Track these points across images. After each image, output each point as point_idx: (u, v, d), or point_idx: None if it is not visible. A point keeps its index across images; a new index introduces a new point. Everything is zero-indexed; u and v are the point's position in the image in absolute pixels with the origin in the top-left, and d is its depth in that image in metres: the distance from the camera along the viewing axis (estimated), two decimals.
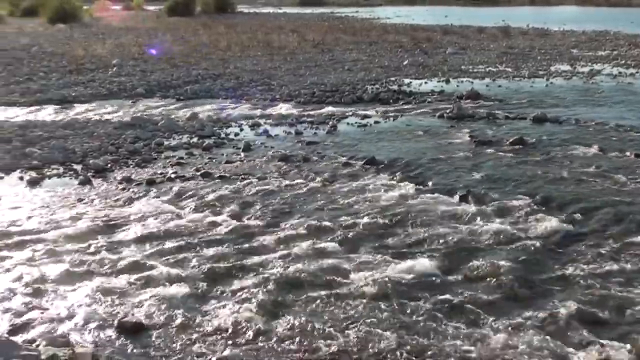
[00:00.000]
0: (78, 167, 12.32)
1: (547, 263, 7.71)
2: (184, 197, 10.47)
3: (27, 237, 8.82)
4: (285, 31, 43.92)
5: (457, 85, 20.77)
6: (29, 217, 9.67)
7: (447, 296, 6.86)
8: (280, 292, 7.03)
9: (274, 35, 40.25)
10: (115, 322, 6.42)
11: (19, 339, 6.01)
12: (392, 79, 22.46)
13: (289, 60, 28.25)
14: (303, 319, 6.42)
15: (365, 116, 16.43)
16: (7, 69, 26.47)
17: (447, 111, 16.35)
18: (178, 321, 6.46)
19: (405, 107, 17.63)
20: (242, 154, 12.97)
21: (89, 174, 11.79)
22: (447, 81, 21.83)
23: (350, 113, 16.83)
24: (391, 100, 18.53)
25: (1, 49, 33.44)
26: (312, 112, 17.03)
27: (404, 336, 6.06)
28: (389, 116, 16.37)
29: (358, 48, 32.76)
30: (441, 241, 8.31)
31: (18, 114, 17.79)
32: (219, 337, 6.16)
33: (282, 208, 9.77)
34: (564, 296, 6.86)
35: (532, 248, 8.05)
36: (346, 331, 6.17)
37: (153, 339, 6.18)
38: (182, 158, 12.84)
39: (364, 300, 6.78)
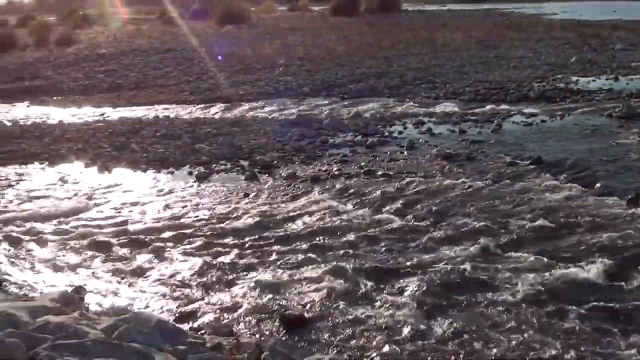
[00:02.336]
0: (245, 164, 12.75)
1: None
2: (347, 194, 10.61)
3: (195, 230, 9.25)
4: (449, 29, 43.47)
5: (627, 84, 19.82)
6: (198, 211, 10.11)
7: (614, 304, 6.54)
8: (440, 293, 6.98)
9: (438, 33, 39.92)
10: (278, 315, 6.59)
11: (185, 327, 6.30)
12: (559, 76, 21.77)
13: (453, 57, 27.96)
14: (462, 321, 6.35)
15: (532, 115, 15.99)
16: (179, 69, 27.77)
17: (616, 110, 15.62)
18: (339, 316, 6.54)
19: (573, 105, 17.01)
20: (406, 153, 13.00)
21: (255, 170, 12.18)
22: (616, 79, 20.82)
23: (516, 111, 16.46)
24: (558, 99, 17.97)
25: (173, 50, 34.98)
26: (476, 111, 16.80)
27: (567, 344, 5.85)
28: (555, 115, 15.85)
29: (524, 45, 31.93)
30: (609, 246, 7.92)
31: (188, 112, 18.60)
32: (379, 333, 6.18)
33: (445, 208, 9.69)
34: None
35: None
36: (507, 336, 6.03)
37: (314, 332, 6.30)
38: (346, 156, 13.01)
39: (526, 305, 6.60)
